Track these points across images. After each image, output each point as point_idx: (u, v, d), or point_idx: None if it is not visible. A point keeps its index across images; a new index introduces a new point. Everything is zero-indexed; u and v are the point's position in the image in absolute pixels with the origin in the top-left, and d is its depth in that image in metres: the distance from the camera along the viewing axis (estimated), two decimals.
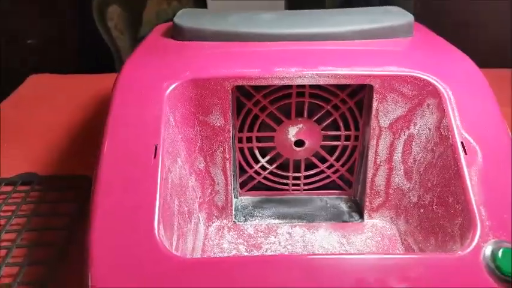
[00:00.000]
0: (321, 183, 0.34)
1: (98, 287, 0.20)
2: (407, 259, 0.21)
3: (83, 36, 0.71)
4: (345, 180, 0.34)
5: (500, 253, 0.21)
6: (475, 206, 0.23)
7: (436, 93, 0.27)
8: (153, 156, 0.24)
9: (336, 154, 0.32)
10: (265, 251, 0.29)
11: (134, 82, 0.28)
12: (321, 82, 0.28)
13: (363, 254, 0.27)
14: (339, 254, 0.26)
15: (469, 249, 0.21)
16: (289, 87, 0.30)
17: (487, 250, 0.21)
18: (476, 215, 0.22)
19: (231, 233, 0.31)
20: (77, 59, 0.72)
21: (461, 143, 0.25)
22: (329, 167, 0.33)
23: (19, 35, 0.69)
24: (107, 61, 0.71)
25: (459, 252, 0.21)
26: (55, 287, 0.28)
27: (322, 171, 0.33)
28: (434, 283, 0.20)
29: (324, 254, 0.27)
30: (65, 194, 0.36)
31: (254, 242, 0.30)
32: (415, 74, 0.27)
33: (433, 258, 0.22)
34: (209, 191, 0.31)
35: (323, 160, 0.33)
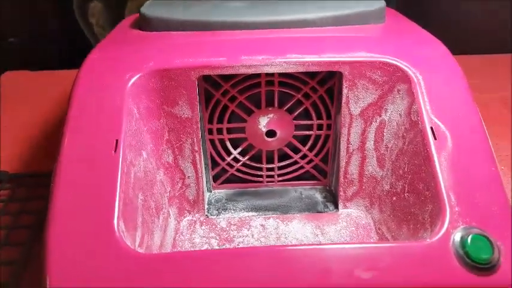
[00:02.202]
0: (295, 174, 0.33)
1: (55, 286, 0.19)
2: (376, 248, 0.21)
3: (64, 33, 0.69)
4: (319, 170, 0.33)
5: (469, 239, 0.21)
6: (444, 192, 0.22)
7: (406, 79, 0.27)
8: (113, 150, 0.23)
9: (309, 144, 0.32)
10: (238, 244, 0.28)
11: (97, 74, 0.27)
12: (290, 70, 0.27)
13: (331, 244, 0.27)
14: (306, 245, 0.26)
15: (438, 236, 0.21)
16: (258, 76, 0.29)
17: (456, 237, 0.21)
18: (446, 201, 0.22)
19: (203, 227, 0.30)
20: (59, 55, 0.71)
21: (431, 128, 0.24)
22: (303, 158, 0.32)
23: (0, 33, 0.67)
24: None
25: (428, 240, 0.21)
26: (22, 286, 0.27)
27: (296, 162, 0.32)
28: (404, 271, 0.20)
29: (291, 245, 0.26)
30: (35, 192, 0.35)
31: (227, 235, 0.29)
32: (384, 60, 0.27)
33: (402, 246, 0.21)
34: (179, 185, 0.30)
35: (296, 150, 0.32)
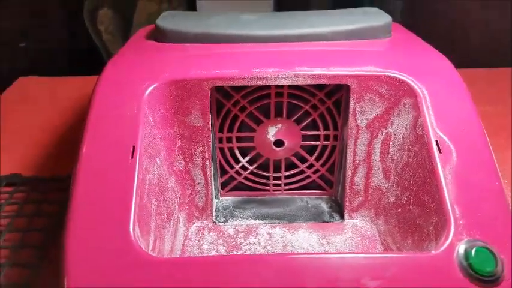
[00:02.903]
0: (301, 183, 0.34)
1: (73, 287, 0.20)
2: (382, 258, 0.21)
3: (73, 40, 0.71)
4: (325, 180, 0.34)
5: (473, 252, 0.21)
6: (449, 205, 0.23)
7: (412, 93, 0.27)
8: (130, 156, 0.24)
9: (316, 154, 0.32)
10: (245, 252, 0.29)
11: (115, 83, 0.28)
12: (299, 82, 0.28)
13: (337, 253, 0.27)
14: (313, 254, 0.27)
15: (442, 248, 0.22)
16: (268, 87, 0.30)
17: (461, 249, 0.21)
18: (450, 213, 0.23)
19: (211, 234, 0.31)
20: (68, 62, 0.72)
21: (436, 141, 0.25)
22: (309, 167, 0.33)
23: (10, 38, 0.69)
24: (97, 64, 0.71)
25: (433, 251, 0.22)
26: None
27: (302, 171, 0.33)
28: (408, 282, 0.21)
29: (297, 254, 0.27)
30: (49, 195, 0.36)
31: (234, 242, 0.30)
32: (391, 74, 0.28)
33: (407, 257, 0.22)
34: (189, 191, 0.31)
35: (303, 160, 0.33)
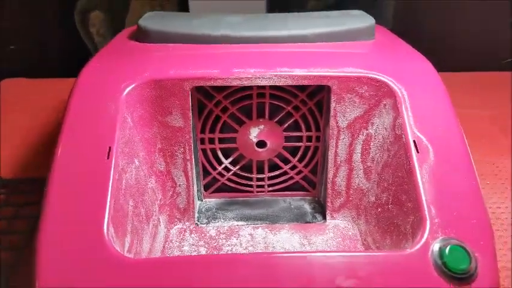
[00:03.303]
0: (285, 185, 0.34)
1: (44, 287, 0.19)
2: (357, 257, 0.21)
3: (64, 42, 0.70)
4: (308, 181, 0.34)
5: (447, 250, 0.21)
6: (425, 204, 0.23)
7: (391, 94, 0.28)
8: (106, 157, 0.24)
9: (299, 155, 0.33)
10: (226, 253, 0.29)
11: (92, 83, 0.28)
12: (280, 83, 0.28)
13: (312, 252, 0.27)
14: (288, 253, 0.26)
15: (417, 246, 0.22)
16: (250, 88, 0.30)
17: (435, 247, 0.22)
18: (426, 212, 0.23)
19: (192, 236, 0.30)
20: (58, 64, 0.72)
21: (414, 141, 0.25)
22: (292, 168, 0.33)
23: (1, 39, 0.68)
24: None
25: (408, 250, 0.22)
26: None
27: (285, 173, 0.33)
28: (383, 281, 0.21)
29: (273, 253, 0.27)
30: (29, 197, 0.36)
31: (215, 243, 0.30)
32: (371, 75, 0.28)
33: (382, 255, 0.22)
34: (170, 193, 0.31)
35: (286, 161, 0.33)
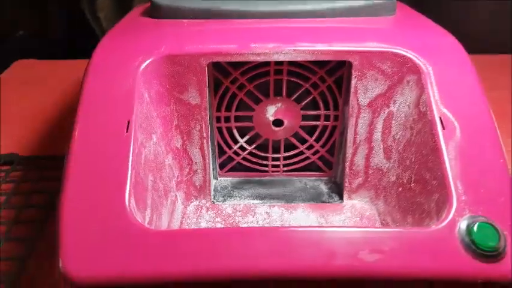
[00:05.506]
0: (301, 165, 0.33)
1: (67, 257, 0.19)
2: (380, 233, 0.21)
3: (73, 27, 0.70)
4: (325, 162, 0.33)
5: (475, 227, 0.21)
6: (451, 181, 0.22)
7: (415, 70, 0.27)
8: (125, 130, 0.24)
9: (316, 135, 0.32)
10: None
11: (108, 59, 0.27)
12: (299, 58, 0.28)
13: (334, 226, 0.27)
14: (310, 227, 0.26)
15: (444, 223, 0.21)
16: (267, 64, 0.29)
17: (462, 224, 0.21)
18: (453, 189, 0.22)
19: (209, 213, 0.30)
20: (67, 49, 0.72)
21: (440, 118, 0.24)
22: (309, 148, 0.32)
23: (9, 25, 0.68)
24: None
25: (433, 227, 0.21)
26: (33, 262, 0.28)
27: (302, 152, 0.33)
28: (408, 256, 0.20)
29: (295, 227, 0.26)
30: (45, 173, 0.36)
31: (232, 220, 0.29)
32: (394, 50, 0.27)
33: (406, 231, 0.21)
34: (187, 170, 0.30)
35: (303, 141, 0.32)
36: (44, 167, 0.37)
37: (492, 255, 0.20)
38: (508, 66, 0.55)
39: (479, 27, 0.59)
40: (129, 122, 0.24)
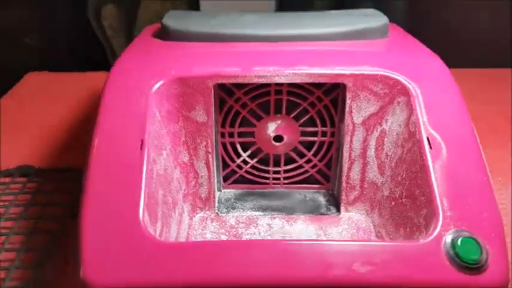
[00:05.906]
0: (300, 178, 0.35)
1: (89, 269, 0.21)
2: (372, 246, 0.23)
3: (77, 36, 0.72)
4: (323, 175, 0.35)
5: (459, 241, 0.23)
6: (438, 198, 0.24)
7: (405, 92, 0.29)
8: (139, 148, 0.26)
9: (314, 149, 0.34)
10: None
11: (123, 80, 0.30)
12: (298, 80, 0.30)
13: (330, 240, 0.29)
14: (308, 240, 0.28)
15: (431, 238, 0.23)
16: (269, 85, 0.31)
17: (448, 238, 0.23)
18: (439, 206, 0.24)
19: (213, 224, 0.32)
20: (71, 57, 0.73)
21: (427, 138, 0.27)
22: (307, 162, 0.34)
23: (14, 33, 0.70)
24: (101, 60, 0.72)
25: (421, 240, 0.23)
26: (49, 270, 0.30)
27: (301, 166, 0.35)
28: (398, 268, 0.22)
29: (293, 240, 0.28)
30: (60, 186, 0.38)
31: (235, 232, 0.31)
32: (385, 74, 0.29)
33: (397, 245, 0.23)
34: (193, 183, 0.32)
35: (302, 155, 0.34)
36: (59, 178, 0.38)
37: (475, 268, 0.22)
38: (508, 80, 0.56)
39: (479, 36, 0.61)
40: (142, 141, 0.26)
